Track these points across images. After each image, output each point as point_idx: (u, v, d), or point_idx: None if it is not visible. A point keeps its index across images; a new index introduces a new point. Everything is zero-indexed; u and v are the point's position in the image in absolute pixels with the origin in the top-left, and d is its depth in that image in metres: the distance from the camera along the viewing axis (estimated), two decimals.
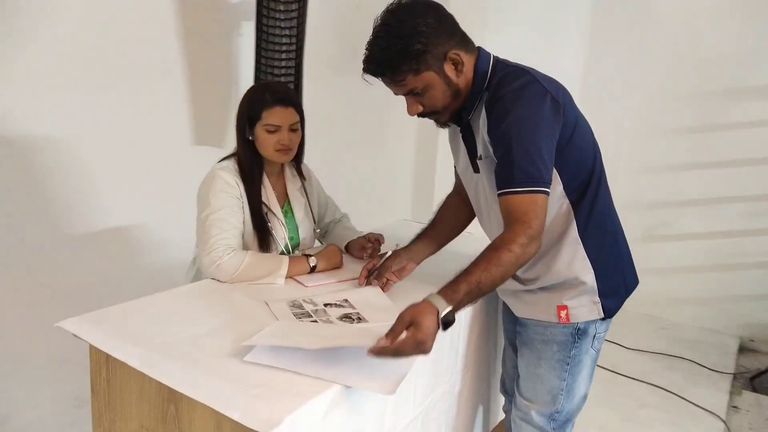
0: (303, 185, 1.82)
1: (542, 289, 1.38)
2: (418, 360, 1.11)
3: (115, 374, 1.19)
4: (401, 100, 1.34)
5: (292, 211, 1.77)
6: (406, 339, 1.05)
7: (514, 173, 1.20)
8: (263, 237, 1.64)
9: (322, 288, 1.52)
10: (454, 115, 1.36)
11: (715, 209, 3.35)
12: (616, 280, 1.41)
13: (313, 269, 1.59)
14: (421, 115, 1.34)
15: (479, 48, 1.34)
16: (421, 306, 1.11)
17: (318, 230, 1.88)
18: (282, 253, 1.68)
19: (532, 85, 1.25)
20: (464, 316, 1.52)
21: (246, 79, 2.91)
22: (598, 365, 1.52)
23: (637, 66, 3.45)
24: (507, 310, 1.58)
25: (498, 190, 1.24)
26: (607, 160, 3.69)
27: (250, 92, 1.68)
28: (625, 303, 1.45)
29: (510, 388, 1.65)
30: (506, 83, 1.27)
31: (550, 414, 1.44)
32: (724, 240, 3.33)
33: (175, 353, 1.14)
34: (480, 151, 1.33)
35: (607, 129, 3.61)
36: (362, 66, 1.31)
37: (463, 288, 1.14)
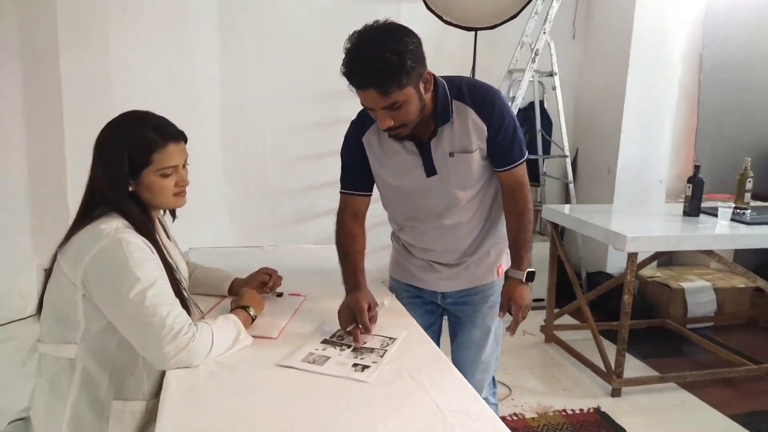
0: (167, 231, 1.54)
1: (488, 252, 1.72)
2: None
3: None
4: None
5: (176, 265, 1.49)
6: (516, 311, 1.65)
7: (522, 150, 1.61)
8: (183, 303, 1.36)
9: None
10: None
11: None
12: None
13: (253, 320, 1.45)
14: (390, 128, 1.44)
15: None
16: (509, 283, 1.68)
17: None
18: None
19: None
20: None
21: None
22: None
23: (269, 71, 3.83)
24: (426, 308, 1.81)
25: (508, 165, 1.60)
26: (256, 155, 4.05)
27: (124, 133, 1.32)
28: None
29: None
30: (475, 86, 1.56)
31: (492, 378, 1.82)
32: None
33: None
34: (458, 147, 1.55)
35: (252, 127, 3.93)
36: (352, 73, 1.36)
37: (523, 253, 1.66)
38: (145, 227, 1.33)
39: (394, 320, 1.55)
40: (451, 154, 1.56)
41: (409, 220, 1.73)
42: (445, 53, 3.86)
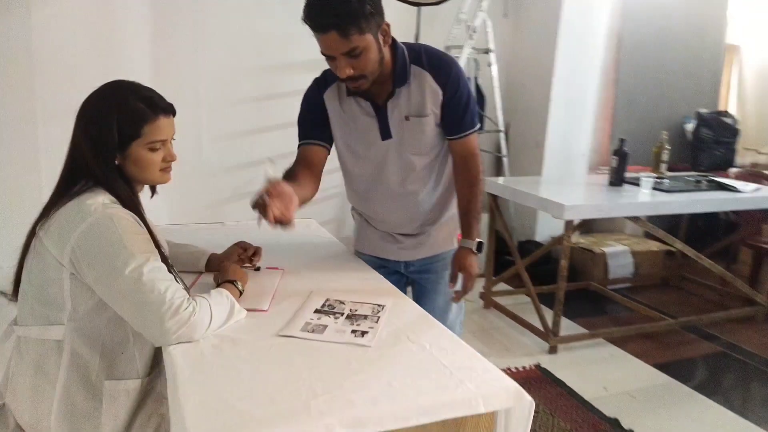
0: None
1: (447, 222, 1.81)
2: None
3: None
4: None
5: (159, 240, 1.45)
6: (466, 279, 1.65)
7: (474, 120, 1.65)
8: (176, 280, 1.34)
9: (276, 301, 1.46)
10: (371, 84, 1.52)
11: (282, 164, 4.08)
12: None
13: (241, 293, 1.44)
14: (349, 78, 1.47)
15: None
16: (460, 252, 1.67)
17: None
18: None
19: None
20: None
21: None
22: None
23: (203, 43, 3.69)
24: (391, 279, 1.79)
25: (460, 132, 1.64)
26: (191, 130, 3.94)
27: (114, 103, 1.26)
28: None
29: None
30: (437, 52, 1.61)
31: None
32: None
33: (285, 409, 1.01)
34: (413, 111, 1.60)
35: (186, 102, 3.77)
36: (313, 15, 1.39)
37: (473, 223, 1.68)
38: (132, 202, 1.30)
39: (378, 289, 1.60)
40: (407, 118, 1.61)
41: (367, 187, 1.77)
42: None
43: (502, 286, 3.80)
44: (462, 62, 3.67)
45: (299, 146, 1.72)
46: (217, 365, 1.15)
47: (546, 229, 4.32)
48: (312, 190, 1.66)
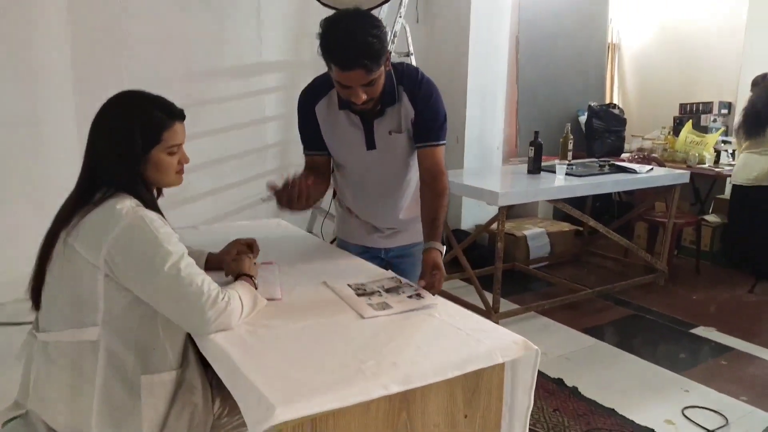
0: None
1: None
2: None
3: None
4: None
5: None
6: (440, 277, 1.59)
7: (440, 135, 1.76)
8: None
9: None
10: None
11: (216, 169, 4.08)
12: None
13: (255, 286, 1.53)
14: (363, 102, 1.61)
15: None
16: (433, 253, 1.66)
17: None
18: None
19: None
20: None
21: None
22: None
23: (126, 50, 3.62)
24: (373, 263, 1.93)
25: (427, 141, 1.75)
26: None
27: (135, 112, 1.32)
28: None
29: None
30: (414, 73, 1.75)
31: None
32: (228, 191, 4.15)
33: (341, 375, 1.14)
34: (395, 127, 1.75)
35: None
36: (340, 56, 1.51)
37: (441, 229, 1.73)
38: (155, 205, 1.36)
39: (371, 271, 1.76)
40: (390, 133, 1.78)
41: (353, 188, 1.94)
42: (306, 33, 4.01)
43: None
44: None
45: (305, 155, 1.90)
46: (262, 347, 1.26)
47: (470, 217, 4.64)
48: (325, 187, 1.91)
